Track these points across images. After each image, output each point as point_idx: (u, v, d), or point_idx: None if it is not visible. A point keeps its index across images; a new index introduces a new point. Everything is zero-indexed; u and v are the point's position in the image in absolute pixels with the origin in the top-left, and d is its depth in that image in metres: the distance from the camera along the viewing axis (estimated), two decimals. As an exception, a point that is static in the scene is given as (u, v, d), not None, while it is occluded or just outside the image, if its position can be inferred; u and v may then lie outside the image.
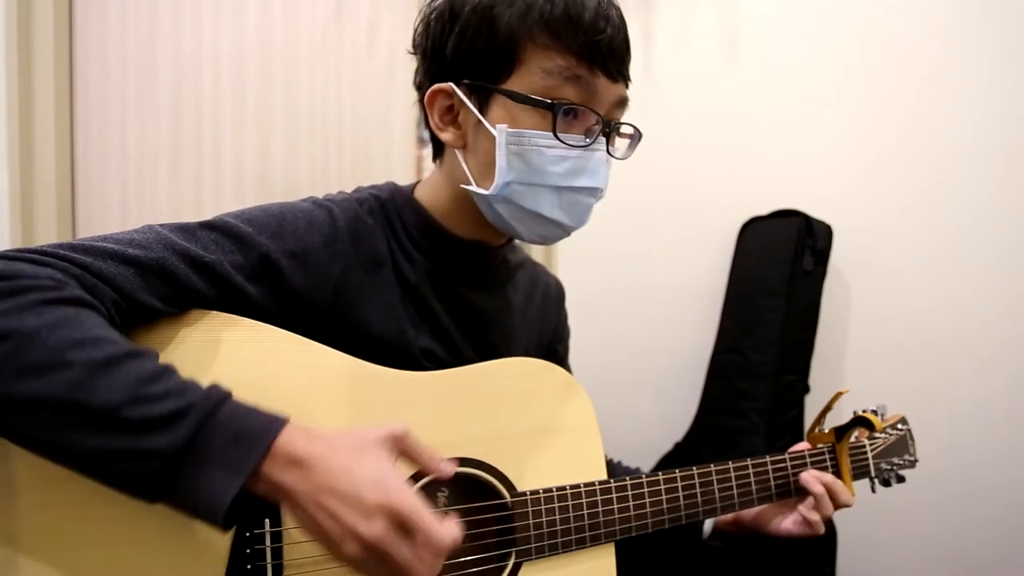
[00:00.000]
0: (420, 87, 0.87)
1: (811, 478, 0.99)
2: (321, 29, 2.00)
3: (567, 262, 2.08)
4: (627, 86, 0.83)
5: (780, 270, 1.77)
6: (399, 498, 0.59)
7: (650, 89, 1.98)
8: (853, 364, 1.82)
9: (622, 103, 0.84)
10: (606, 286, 2.06)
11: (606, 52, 0.77)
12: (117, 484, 0.58)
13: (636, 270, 2.04)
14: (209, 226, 0.74)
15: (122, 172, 1.90)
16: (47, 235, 1.78)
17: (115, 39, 1.87)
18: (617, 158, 0.86)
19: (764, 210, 1.87)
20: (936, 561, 1.72)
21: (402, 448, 0.65)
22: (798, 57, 1.86)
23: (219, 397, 0.60)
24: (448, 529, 0.60)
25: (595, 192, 0.83)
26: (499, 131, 0.77)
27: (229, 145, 1.96)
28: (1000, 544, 1.66)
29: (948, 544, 1.71)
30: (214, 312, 0.71)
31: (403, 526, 0.59)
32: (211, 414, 0.58)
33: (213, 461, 0.57)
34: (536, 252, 1.97)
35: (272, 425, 0.60)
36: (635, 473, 0.94)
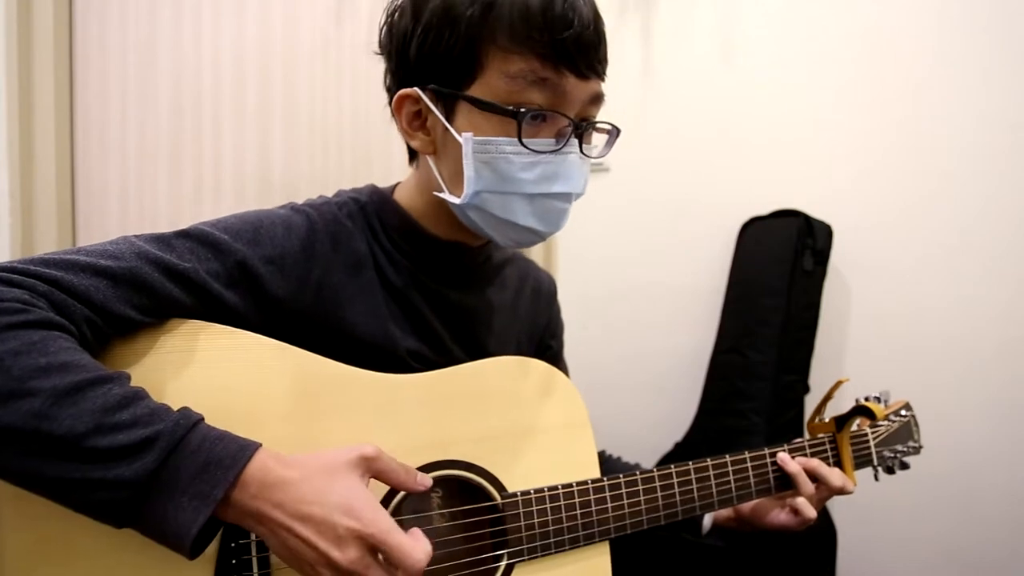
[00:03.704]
0: (389, 90, 0.84)
1: (785, 457, 0.98)
2: (321, 29, 2.00)
3: (567, 262, 2.08)
4: (602, 79, 0.79)
5: (780, 270, 1.76)
6: (371, 522, 0.59)
7: (650, 89, 1.98)
8: (853, 364, 1.81)
9: (597, 99, 0.79)
10: (606, 286, 2.06)
11: (573, 49, 0.73)
12: (83, 511, 0.57)
13: (636, 270, 2.04)
14: (184, 235, 0.73)
15: (122, 172, 1.90)
16: (47, 235, 1.78)
17: (115, 39, 1.88)
18: (592, 158, 0.82)
19: (764, 210, 1.87)
20: (936, 561, 1.71)
21: (375, 469, 0.65)
22: (797, 57, 1.85)
23: (188, 424, 0.59)
24: (420, 547, 0.61)
25: (570, 197, 0.80)
26: (465, 140, 0.75)
27: (229, 145, 1.97)
28: (1000, 544, 1.65)
29: (948, 544, 1.70)
30: (193, 320, 0.71)
31: (376, 550, 0.60)
32: (179, 442, 0.57)
33: (181, 490, 0.56)
34: (536, 252, 1.97)
35: (242, 453, 0.59)
36: (633, 469, 0.93)
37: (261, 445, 0.61)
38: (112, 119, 1.89)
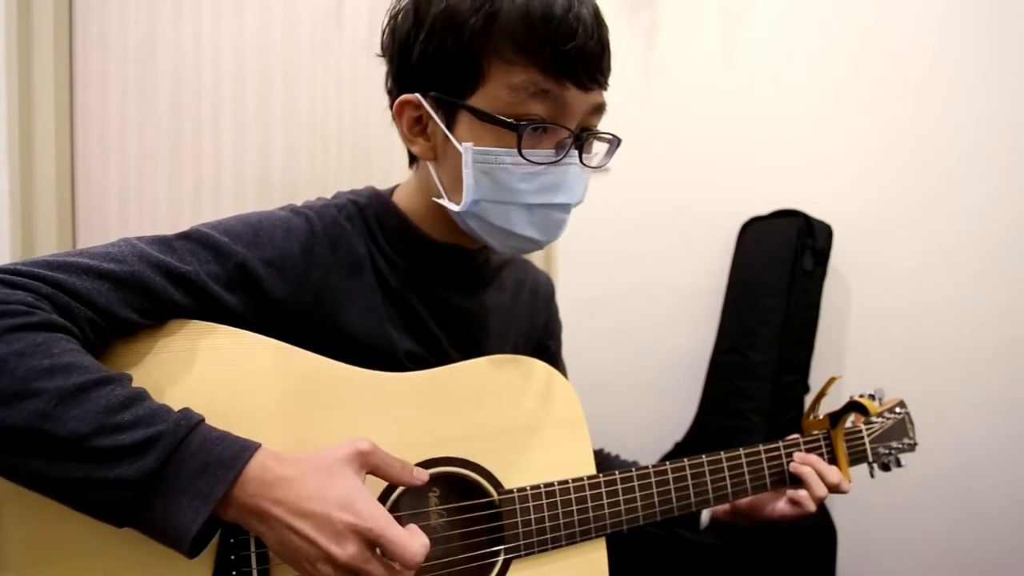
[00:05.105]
0: (390, 93, 0.83)
1: (798, 463, 0.99)
2: (321, 29, 2.00)
3: (567, 262, 2.08)
4: (604, 89, 0.78)
5: (780, 270, 1.76)
6: (369, 517, 0.60)
7: (650, 89, 1.98)
8: (853, 364, 1.81)
9: (598, 109, 0.79)
10: (606, 286, 2.06)
11: (576, 61, 0.72)
12: (85, 510, 0.58)
13: (636, 270, 2.03)
14: (185, 237, 0.74)
15: (122, 172, 1.90)
16: (47, 235, 1.79)
17: (115, 39, 1.88)
18: (592, 168, 0.81)
19: (764, 210, 1.86)
20: (936, 561, 1.71)
21: (370, 464, 0.66)
22: (798, 57, 1.85)
23: (189, 425, 0.60)
24: (417, 541, 0.62)
25: (569, 207, 0.80)
26: (465, 149, 0.74)
27: (229, 145, 1.97)
28: (1000, 544, 1.65)
29: (948, 544, 1.70)
30: (193, 321, 0.71)
31: (374, 544, 0.60)
32: (180, 443, 0.58)
33: (181, 490, 0.57)
34: (536, 252, 1.96)
35: (242, 453, 0.60)
36: (629, 467, 0.94)
37: (260, 445, 0.62)
38: (112, 119, 1.89)
